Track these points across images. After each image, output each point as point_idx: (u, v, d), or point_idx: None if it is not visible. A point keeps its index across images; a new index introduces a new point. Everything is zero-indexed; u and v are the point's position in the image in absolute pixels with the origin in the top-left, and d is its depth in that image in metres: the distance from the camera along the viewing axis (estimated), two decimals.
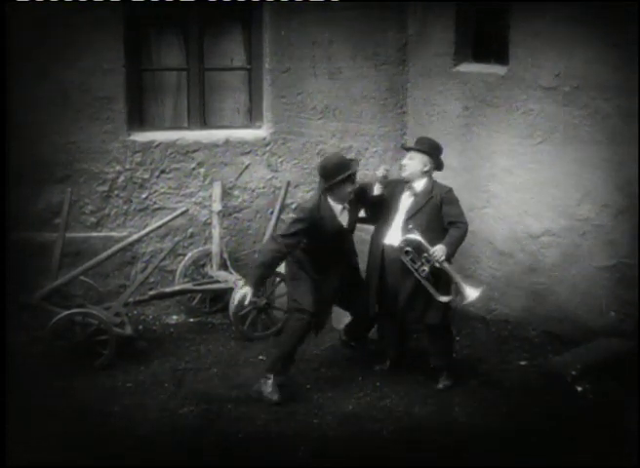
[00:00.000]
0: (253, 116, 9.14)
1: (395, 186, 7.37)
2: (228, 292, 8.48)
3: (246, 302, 7.20)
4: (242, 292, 7.12)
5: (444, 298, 7.14)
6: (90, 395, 7.22)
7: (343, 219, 7.29)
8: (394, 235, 7.25)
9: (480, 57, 8.78)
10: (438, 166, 7.37)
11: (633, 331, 7.71)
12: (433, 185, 7.29)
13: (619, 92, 7.73)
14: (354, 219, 7.37)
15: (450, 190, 7.28)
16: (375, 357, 7.78)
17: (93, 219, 8.78)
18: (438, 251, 7.03)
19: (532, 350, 8.14)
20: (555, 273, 8.31)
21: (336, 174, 7.09)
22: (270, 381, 7.20)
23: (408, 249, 7.15)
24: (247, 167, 8.98)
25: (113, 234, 8.74)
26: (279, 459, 6.44)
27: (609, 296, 7.99)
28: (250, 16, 8.93)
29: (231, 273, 8.65)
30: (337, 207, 7.23)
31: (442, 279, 7.18)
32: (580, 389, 7.31)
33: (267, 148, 9.02)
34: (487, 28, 8.75)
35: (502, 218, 8.60)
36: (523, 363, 7.89)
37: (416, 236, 7.14)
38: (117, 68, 8.58)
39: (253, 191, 9.05)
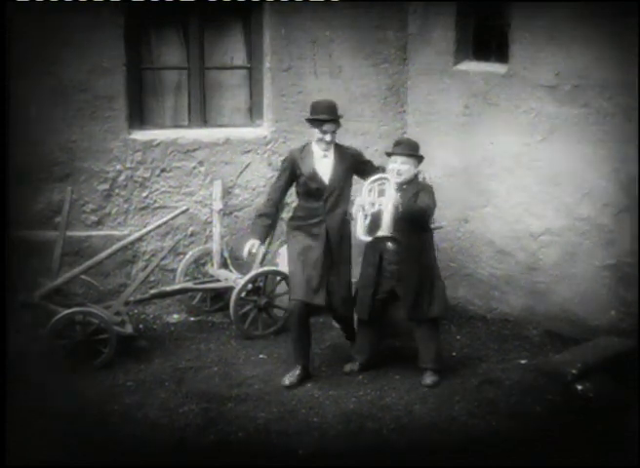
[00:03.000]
0: (253, 115, 9.14)
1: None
2: (229, 290, 8.49)
3: (253, 250, 7.53)
4: (249, 243, 7.51)
5: (363, 237, 7.18)
6: (90, 394, 7.21)
7: (324, 169, 7.51)
8: (385, 228, 7.20)
9: (480, 55, 8.78)
10: (420, 161, 7.51)
11: (633, 329, 7.70)
12: (413, 181, 7.40)
13: (619, 90, 7.73)
14: (339, 177, 7.52)
15: (427, 188, 7.40)
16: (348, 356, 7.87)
17: (93, 218, 8.78)
18: (396, 198, 7.14)
19: (532, 349, 8.15)
20: (555, 272, 8.31)
21: (311, 112, 7.54)
22: (294, 370, 7.52)
23: (374, 183, 7.27)
24: (247, 165, 8.98)
25: (114, 233, 8.74)
26: (279, 458, 6.44)
27: (609, 295, 7.99)
28: (250, 14, 8.92)
29: (232, 272, 8.65)
30: (318, 152, 7.52)
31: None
32: (580, 388, 7.30)
33: (268, 147, 9.01)
34: (487, 27, 8.74)
35: (503, 217, 8.60)
36: (523, 362, 7.89)
37: (401, 172, 7.28)
38: (118, 67, 8.57)
39: (253, 190, 9.04)
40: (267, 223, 7.62)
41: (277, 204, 7.69)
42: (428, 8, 8.89)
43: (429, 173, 7.61)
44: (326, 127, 7.43)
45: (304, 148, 7.60)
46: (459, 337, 8.44)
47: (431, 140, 8.97)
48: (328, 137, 7.45)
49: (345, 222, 7.54)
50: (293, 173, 7.57)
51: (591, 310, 8.09)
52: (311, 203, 7.55)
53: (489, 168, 8.65)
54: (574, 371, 7.39)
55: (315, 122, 7.48)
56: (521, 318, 8.60)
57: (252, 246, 7.51)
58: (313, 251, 7.49)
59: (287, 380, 7.45)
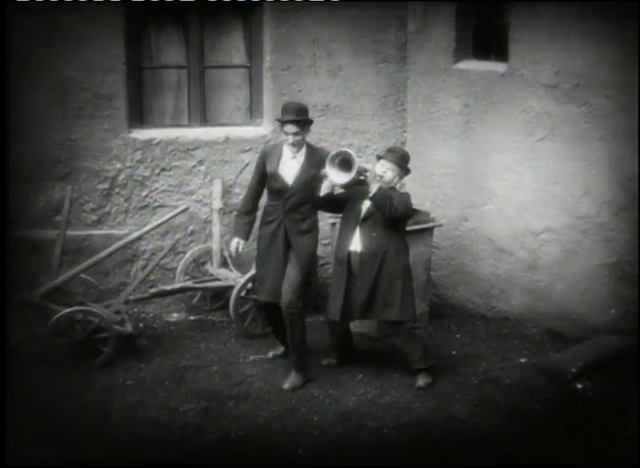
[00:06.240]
0: (253, 113, 9.13)
1: (357, 193, 7.36)
2: (229, 289, 8.49)
3: (240, 249, 7.66)
4: (234, 241, 7.66)
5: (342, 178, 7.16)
6: (90, 393, 7.23)
7: (289, 170, 7.42)
8: (357, 241, 7.30)
9: (480, 54, 8.78)
10: (405, 173, 7.46)
11: (633, 328, 7.71)
12: (391, 189, 7.32)
13: (619, 89, 7.74)
14: (304, 180, 7.40)
15: (405, 193, 7.39)
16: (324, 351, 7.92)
17: (93, 217, 8.78)
18: (375, 187, 7.17)
19: (532, 348, 8.16)
20: (555, 270, 8.32)
21: (281, 113, 7.45)
22: (279, 347, 7.97)
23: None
24: (247, 164, 8.97)
25: (114, 232, 8.74)
26: (280, 457, 6.44)
27: (609, 294, 8.00)
28: (250, 13, 8.92)
29: (232, 271, 8.65)
30: (287, 153, 7.45)
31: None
32: (579, 387, 7.32)
33: None
34: (487, 26, 8.74)
35: (502, 216, 8.61)
36: (523, 360, 7.89)
37: (384, 176, 7.29)
38: (118, 66, 8.57)
39: None
40: (246, 221, 7.68)
41: (254, 201, 7.69)
42: (428, 7, 8.89)
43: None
44: (287, 128, 7.34)
45: (277, 146, 7.59)
46: (458, 336, 8.45)
47: (431, 139, 9.00)
48: (290, 139, 7.36)
49: (307, 224, 7.47)
50: (263, 170, 7.55)
51: (591, 309, 8.09)
52: (273, 201, 7.53)
53: (488, 166, 8.65)
54: (574, 370, 7.41)
55: (280, 123, 7.44)
56: (521, 316, 8.61)
57: (237, 244, 7.65)
58: (273, 249, 7.48)
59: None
